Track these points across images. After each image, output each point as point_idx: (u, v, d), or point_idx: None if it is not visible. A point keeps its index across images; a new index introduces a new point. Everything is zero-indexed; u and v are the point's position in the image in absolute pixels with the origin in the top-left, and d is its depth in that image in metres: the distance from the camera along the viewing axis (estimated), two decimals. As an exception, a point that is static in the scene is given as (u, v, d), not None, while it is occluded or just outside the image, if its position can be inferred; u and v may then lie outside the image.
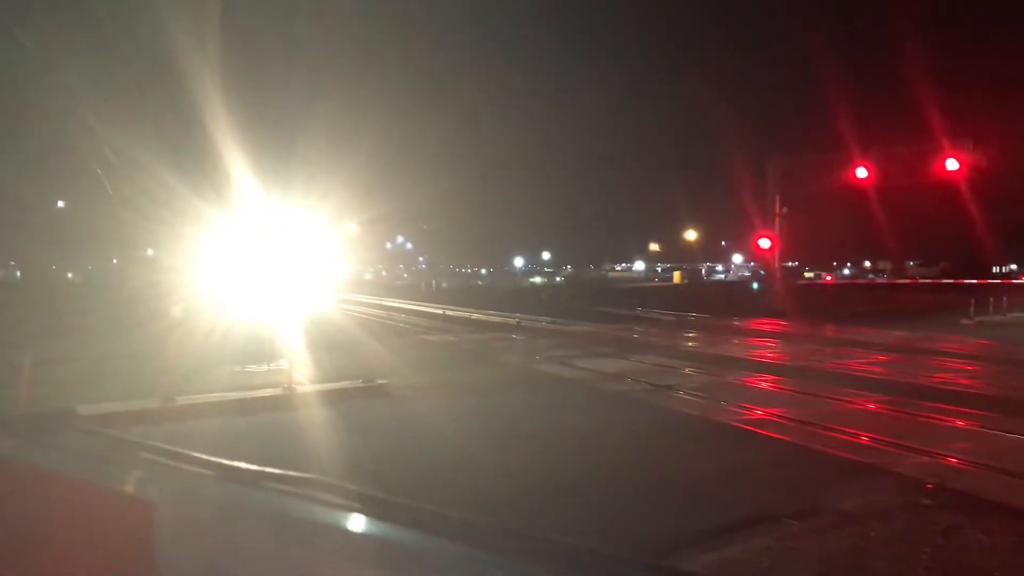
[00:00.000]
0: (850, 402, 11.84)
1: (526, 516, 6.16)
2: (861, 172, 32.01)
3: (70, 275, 58.20)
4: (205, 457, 1.72)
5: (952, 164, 29.38)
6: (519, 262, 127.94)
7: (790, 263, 42.56)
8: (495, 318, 32.62)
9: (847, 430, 9.71)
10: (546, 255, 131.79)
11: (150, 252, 43.75)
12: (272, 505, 1.53)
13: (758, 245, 37.03)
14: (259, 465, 1.66)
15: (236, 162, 18.30)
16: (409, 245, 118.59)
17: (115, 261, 52.59)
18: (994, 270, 68.03)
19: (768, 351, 20.25)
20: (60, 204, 44.72)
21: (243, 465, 1.63)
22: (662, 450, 9.23)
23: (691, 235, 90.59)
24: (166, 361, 11.36)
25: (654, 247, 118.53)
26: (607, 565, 1.28)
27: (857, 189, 33.70)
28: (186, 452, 1.79)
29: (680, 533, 5.96)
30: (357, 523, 1.44)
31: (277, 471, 1.58)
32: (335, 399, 11.81)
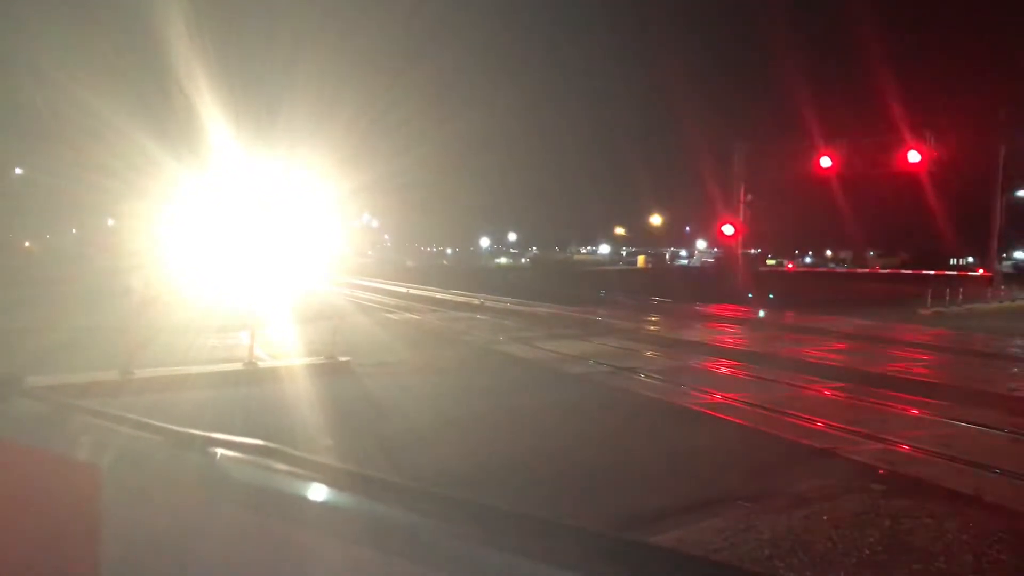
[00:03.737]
0: (806, 388, 12.00)
1: (479, 491, 6.19)
2: (825, 161, 32.39)
3: (27, 244, 57.14)
4: (155, 423, 1.70)
5: (914, 156, 29.79)
6: (485, 242, 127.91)
7: (753, 250, 42.91)
8: (459, 298, 32.59)
9: (803, 415, 9.85)
10: (512, 236, 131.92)
11: (110, 222, 43.05)
12: (222, 471, 1.52)
13: (722, 231, 37.34)
14: (209, 431, 1.65)
15: (214, 124, 17.98)
16: (374, 223, 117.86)
17: (74, 231, 51.72)
18: (951, 262, 69.13)
19: (728, 336, 20.44)
20: (17, 171, 43.81)
21: (193, 431, 1.62)
22: (620, 431, 9.31)
23: (656, 220, 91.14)
24: (128, 335, 11.21)
25: (619, 231, 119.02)
26: (564, 536, 1.29)
27: (821, 178, 34.09)
28: (135, 418, 1.78)
29: (634, 513, 6.03)
30: (309, 490, 1.44)
31: (228, 437, 1.57)
32: (297, 375, 11.75)
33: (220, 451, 1.55)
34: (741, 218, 36.48)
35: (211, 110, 17.98)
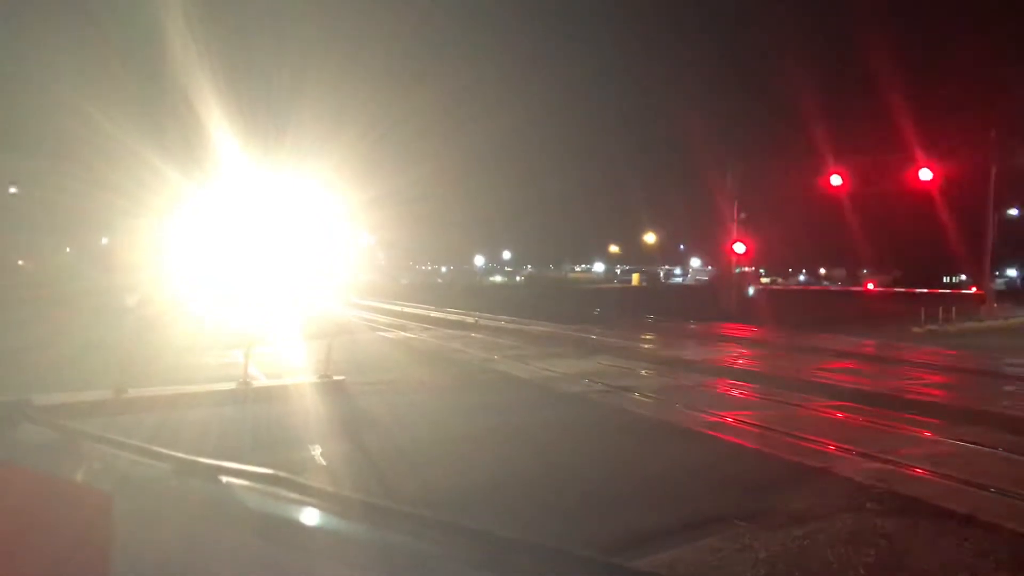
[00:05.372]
0: (801, 407, 12.01)
1: (475, 513, 6.20)
2: (821, 180, 32.48)
3: (20, 262, 56.84)
4: (162, 450, 1.72)
5: (926, 174, 29.95)
6: (480, 260, 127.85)
7: (747, 267, 42.90)
8: (454, 316, 32.60)
9: (798, 434, 9.86)
10: (507, 254, 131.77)
11: (104, 241, 42.97)
12: (229, 498, 1.54)
13: (722, 249, 37.52)
14: (215, 459, 1.67)
15: (218, 139, 17.97)
16: (370, 241, 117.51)
17: (68, 250, 51.54)
18: (944, 280, 69.27)
19: (723, 355, 20.43)
20: (12, 190, 43.72)
21: (201, 459, 1.64)
22: (615, 451, 9.31)
23: (650, 238, 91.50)
24: (126, 355, 11.20)
25: (614, 249, 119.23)
26: (557, 561, 1.31)
27: (815, 196, 34.20)
28: (142, 444, 1.80)
29: (630, 533, 6.02)
30: (312, 517, 1.46)
31: (234, 465, 1.59)
32: (291, 395, 11.75)
33: (226, 478, 1.57)
34: (735, 236, 36.60)
35: (215, 125, 18.02)
